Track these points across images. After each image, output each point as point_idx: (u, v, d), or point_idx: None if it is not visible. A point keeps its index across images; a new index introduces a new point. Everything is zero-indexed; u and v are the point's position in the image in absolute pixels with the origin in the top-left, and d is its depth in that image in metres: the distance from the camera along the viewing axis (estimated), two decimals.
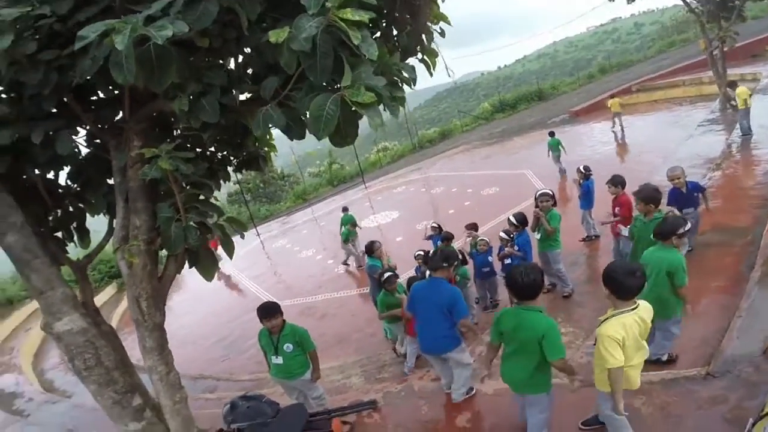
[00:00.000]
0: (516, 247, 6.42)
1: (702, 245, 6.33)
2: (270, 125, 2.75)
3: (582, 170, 8.09)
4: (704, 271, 5.66)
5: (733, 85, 12.15)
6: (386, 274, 5.80)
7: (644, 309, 3.09)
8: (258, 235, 19.25)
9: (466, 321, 4.37)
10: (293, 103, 2.74)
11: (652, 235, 4.67)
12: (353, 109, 2.29)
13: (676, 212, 5.17)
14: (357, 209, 15.61)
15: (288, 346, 4.56)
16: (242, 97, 3.55)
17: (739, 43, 15.71)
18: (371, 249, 7.05)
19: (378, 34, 3.34)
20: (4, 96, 3.40)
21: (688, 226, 4.11)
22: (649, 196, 4.82)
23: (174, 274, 4.04)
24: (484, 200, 13.99)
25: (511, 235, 6.48)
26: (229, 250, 4.22)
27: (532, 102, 31.21)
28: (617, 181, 6.25)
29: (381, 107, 2.56)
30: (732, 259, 5.91)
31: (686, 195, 5.96)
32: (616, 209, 6.21)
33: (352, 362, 6.77)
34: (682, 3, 14.96)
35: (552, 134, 14.02)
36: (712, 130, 12.80)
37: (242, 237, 4.26)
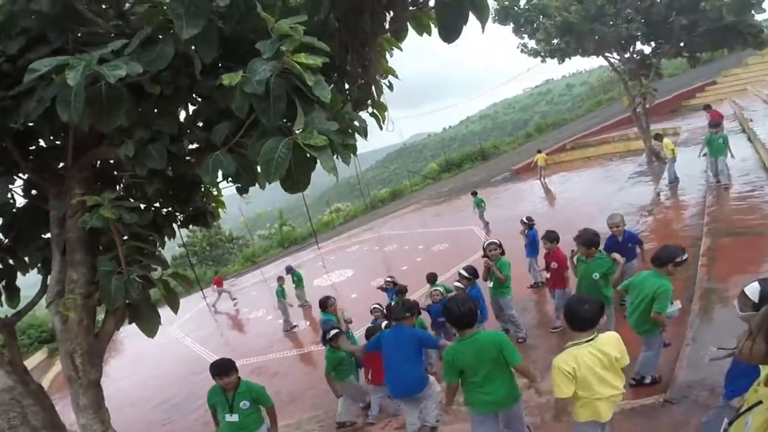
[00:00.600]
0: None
1: None
2: (220, 171, 2.76)
3: (525, 221, 8.56)
4: None
5: (659, 137, 13.38)
6: (331, 332, 5.77)
7: (605, 341, 3.07)
8: (204, 297, 18.45)
9: (443, 341, 4.70)
10: (244, 150, 2.79)
11: (594, 275, 5.08)
12: (307, 154, 2.37)
13: (618, 257, 5.35)
14: (310, 269, 15.49)
15: (244, 404, 4.32)
16: (192, 146, 3.58)
17: (658, 100, 17.39)
18: (325, 304, 6.96)
19: (330, 85, 3.51)
20: None
21: (686, 256, 4.25)
22: (588, 240, 5.12)
23: (113, 330, 3.83)
24: (435, 256, 14.25)
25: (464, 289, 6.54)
26: (174, 305, 4.06)
27: (476, 161, 32.76)
28: (551, 237, 6.49)
29: (334, 155, 2.66)
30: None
31: (621, 244, 6.04)
32: (552, 264, 6.42)
33: (308, 418, 6.48)
34: (607, 63, 16.47)
35: (474, 194, 15.56)
36: (642, 181, 13.95)
37: (175, 312, 4.05)
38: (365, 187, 33.19)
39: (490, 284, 6.54)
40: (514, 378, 3.54)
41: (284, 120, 2.38)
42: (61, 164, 3.84)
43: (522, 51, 16.97)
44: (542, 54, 16.40)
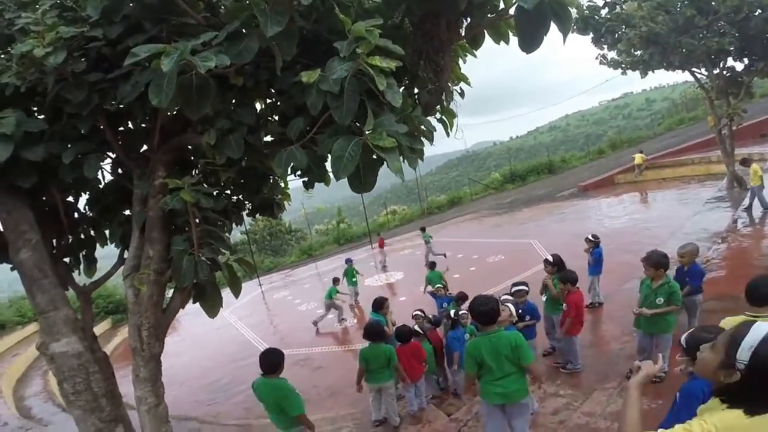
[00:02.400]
0: (528, 317, 5.97)
1: (706, 312, 6.28)
2: (292, 164, 2.86)
3: (591, 238, 8.29)
4: None
5: (746, 162, 12.29)
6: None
7: None
8: (260, 285, 19.14)
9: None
10: (316, 147, 2.88)
11: (659, 299, 4.83)
12: (374, 156, 2.40)
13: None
14: (362, 268, 15.59)
15: None
16: (267, 138, 3.73)
17: (747, 122, 16.06)
18: (381, 305, 7.03)
19: (401, 89, 3.54)
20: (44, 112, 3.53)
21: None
22: (657, 261, 4.90)
23: (179, 307, 4.05)
24: (489, 267, 13.97)
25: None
26: (236, 289, 4.25)
27: (542, 174, 31.76)
28: (567, 278, 5.96)
29: (401, 158, 2.69)
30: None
31: (683, 275, 5.55)
32: (563, 306, 5.96)
33: (344, 415, 6.55)
34: (692, 79, 15.39)
35: (423, 229, 16.12)
36: (720, 207, 13.02)
37: (236, 296, 4.23)
38: (423, 192, 33.08)
39: (544, 298, 6.44)
40: (525, 376, 3.90)
41: (355, 120, 2.42)
42: (147, 147, 4.13)
43: (601, 63, 16.30)
44: (623, 66, 15.66)
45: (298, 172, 3.34)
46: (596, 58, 15.94)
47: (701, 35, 12.91)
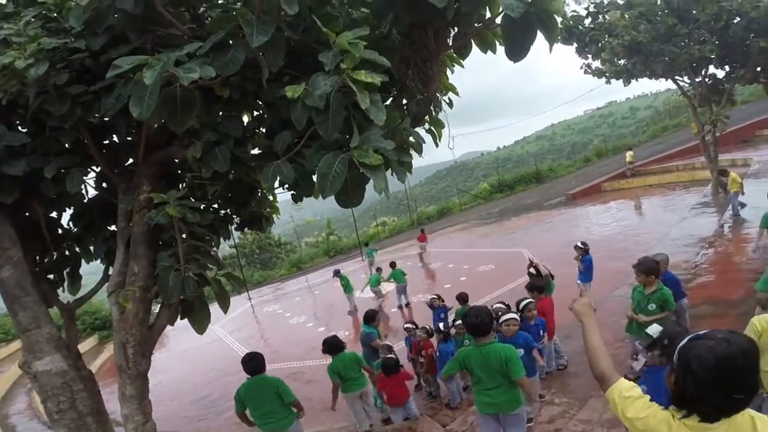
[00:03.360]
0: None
1: (696, 317, 6.32)
2: (279, 178, 2.81)
3: (581, 245, 8.31)
4: None
5: (723, 173, 12.60)
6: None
7: None
8: (249, 299, 18.94)
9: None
10: (303, 160, 2.84)
11: (651, 306, 4.82)
12: (361, 171, 2.37)
13: None
14: (354, 280, 15.51)
15: None
16: (255, 151, 3.69)
17: (729, 128, 16.42)
18: (372, 318, 6.99)
19: (389, 100, 3.52)
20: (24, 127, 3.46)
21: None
22: (648, 268, 4.90)
23: (165, 324, 3.97)
24: (480, 276, 13.98)
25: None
26: (224, 304, 4.17)
27: (530, 183, 32.00)
28: (533, 287, 6.13)
29: (389, 171, 2.66)
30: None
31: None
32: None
33: (338, 428, 6.47)
34: (675, 87, 15.71)
35: (366, 244, 16.55)
36: (705, 213, 13.25)
37: (225, 311, 4.15)
38: (412, 203, 33.13)
39: None
40: (518, 388, 3.86)
41: (343, 133, 2.39)
42: (132, 161, 4.06)
43: (586, 72, 16.55)
44: (607, 75, 15.91)
45: (286, 186, 3.29)
46: (581, 67, 16.19)
47: (683, 43, 13.17)
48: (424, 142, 3.23)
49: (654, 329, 3.65)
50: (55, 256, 4.58)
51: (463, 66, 4.15)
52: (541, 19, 2.72)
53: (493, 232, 20.94)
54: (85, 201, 4.35)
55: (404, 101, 3.58)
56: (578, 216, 19.44)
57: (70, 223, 4.54)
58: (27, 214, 4.10)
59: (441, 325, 6.49)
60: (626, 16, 13.83)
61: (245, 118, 3.69)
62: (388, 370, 5.85)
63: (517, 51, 2.81)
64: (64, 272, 4.67)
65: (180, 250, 3.58)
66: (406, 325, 7.26)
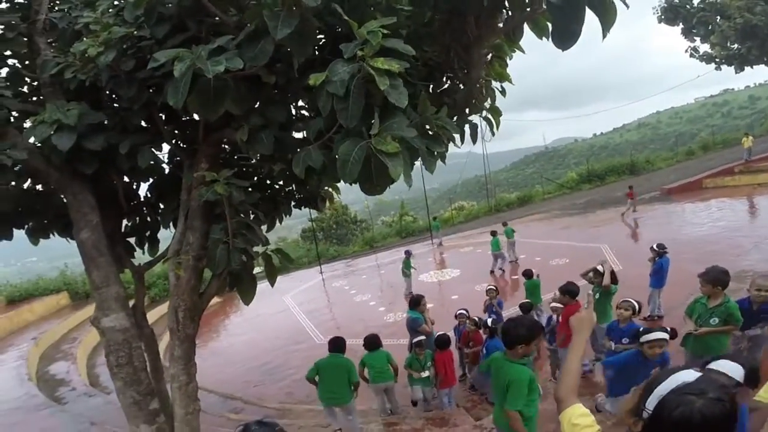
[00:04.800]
0: (626, 339, 5.21)
1: None
2: (309, 164, 2.88)
3: (656, 248, 7.73)
4: None
5: None
6: (417, 338, 6.37)
7: None
8: (321, 273, 19.71)
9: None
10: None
11: (713, 320, 4.41)
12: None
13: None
14: (420, 263, 15.65)
15: None
16: (300, 135, 3.80)
17: None
18: (417, 303, 7.02)
19: (429, 87, 3.44)
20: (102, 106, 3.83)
21: None
22: (715, 278, 4.45)
23: (214, 293, 4.25)
24: (550, 270, 13.35)
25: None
26: (272, 278, 4.40)
27: (622, 175, 29.73)
28: (567, 290, 5.94)
29: (417, 161, 2.63)
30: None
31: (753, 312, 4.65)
32: (559, 318, 6.08)
33: (377, 409, 6.62)
34: None
35: (505, 224, 15.94)
36: None
37: (271, 285, 4.35)
38: (494, 189, 32.26)
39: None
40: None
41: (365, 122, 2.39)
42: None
43: (692, 56, 14.99)
44: (717, 60, 14.30)
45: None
46: (686, 51, 14.66)
47: None
48: (461, 133, 3.11)
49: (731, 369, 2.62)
50: (137, 221, 5.11)
51: (523, 51, 3.94)
52: (592, 1, 2.50)
53: (575, 224, 19.89)
54: (162, 173, 4.78)
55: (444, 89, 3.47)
56: (671, 213, 17.87)
57: (148, 192, 5.02)
58: (112, 182, 4.60)
59: (489, 320, 6.34)
60: None
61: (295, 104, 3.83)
62: (441, 345, 6.23)
63: (564, 37, 2.61)
64: (145, 236, 5.19)
65: (229, 225, 3.82)
66: (458, 312, 7.18)
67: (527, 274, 9.05)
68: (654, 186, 23.57)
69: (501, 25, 3.17)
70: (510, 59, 4.00)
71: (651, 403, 1.38)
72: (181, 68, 2.22)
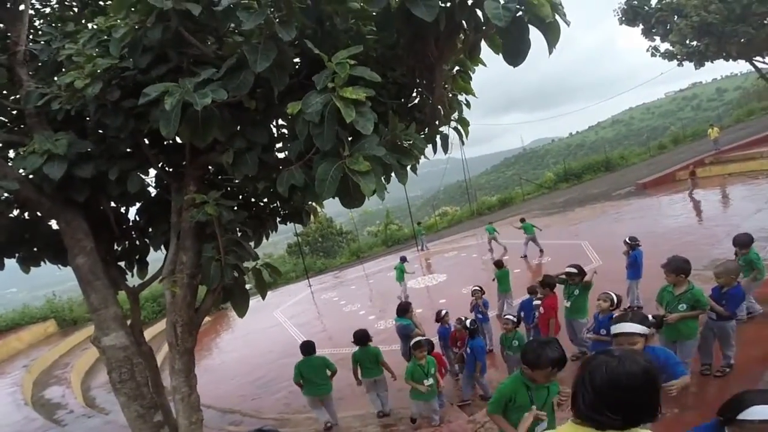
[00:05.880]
0: (604, 331, 5.33)
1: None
2: (292, 183, 3.13)
3: (629, 241, 8.05)
4: (741, 342, 5.45)
5: None
6: (417, 339, 5.81)
7: None
8: (310, 286, 19.84)
9: None
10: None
11: (681, 306, 4.71)
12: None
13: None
14: (408, 270, 15.83)
15: None
16: (281, 154, 4.05)
17: None
18: (405, 310, 7.25)
19: (401, 103, 3.74)
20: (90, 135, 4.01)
21: None
22: (677, 267, 4.76)
23: (209, 307, 4.46)
24: (533, 269, 13.76)
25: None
26: (262, 292, 4.63)
27: (598, 172, 30.47)
28: (547, 283, 6.31)
29: (388, 174, 2.90)
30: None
31: (721, 297, 5.09)
32: (540, 309, 6.35)
33: (374, 413, 6.82)
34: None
35: (523, 220, 15.96)
36: None
37: (262, 298, 4.59)
38: (476, 192, 32.76)
39: (567, 304, 6.34)
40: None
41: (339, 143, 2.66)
42: (183, 163, 4.58)
43: (653, 54, 15.65)
44: (678, 57, 14.95)
45: None
46: (647, 50, 15.33)
47: (759, 23, 12.10)
48: (425, 146, 3.40)
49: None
50: (126, 245, 5.28)
51: (485, 65, 4.26)
52: (542, 22, 2.81)
53: (555, 223, 20.33)
54: (149, 197, 4.97)
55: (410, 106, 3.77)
56: (647, 207, 18.41)
57: (137, 216, 5.20)
58: (101, 208, 4.78)
59: (468, 322, 6.39)
60: None
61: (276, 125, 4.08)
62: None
63: (513, 55, 2.92)
64: (134, 259, 5.36)
65: (220, 243, 4.04)
66: (443, 313, 7.42)
67: (498, 264, 9.86)
68: (629, 181, 24.22)
69: (460, 45, 3.48)
70: (473, 73, 4.33)
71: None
72: (171, 102, 2.47)
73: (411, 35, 3.04)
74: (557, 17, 2.85)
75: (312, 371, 6.25)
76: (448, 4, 2.90)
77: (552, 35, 2.90)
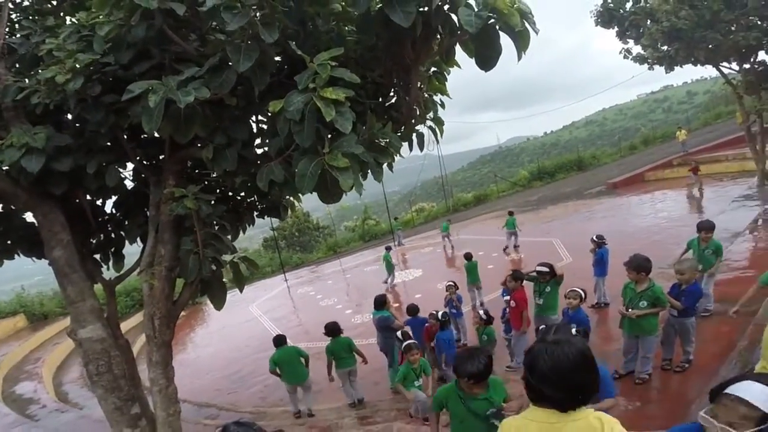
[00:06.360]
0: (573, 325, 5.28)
1: (721, 314, 6.35)
2: (271, 179, 3.22)
3: (596, 239, 8.38)
4: (701, 338, 5.72)
5: None
6: (407, 342, 5.76)
7: None
8: (286, 280, 19.84)
9: None
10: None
11: (642, 303, 4.96)
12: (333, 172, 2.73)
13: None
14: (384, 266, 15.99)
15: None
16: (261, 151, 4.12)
17: None
18: (383, 302, 7.39)
19: (379, 102, 3.86)
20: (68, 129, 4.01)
21: None
22: (638, 265, 5.01)
23: (187, 300, 4.51)
24: (507, 265, 14.09)
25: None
26: (240, 285, 4.71)
27: (571, 171, 31.26)
28: (519, 276, 6.61)
29: (365, 172, 3.02)
30: (729, 328, 5.96)
31: (680, 295, 5.21)
32: (511, 302, 6.60)
33: (350, 405, 6.96)
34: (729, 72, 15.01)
35: (511, 213, 16.34)
36: (746, 205, 12.93)
37: (240, 291, 4.68)
38: (452, 189, 33.14)
39: (540, 301, 6.46)
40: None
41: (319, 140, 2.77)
42: (162, 157, 4.60)
43: (625, 57, 16.09)
44: (649, 61, 15.40)
45: None
46: (620, 52, 15.76)
47: (726, 30, 12.58)
48: (400, 145, 3.52)
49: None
50: (101, 238, 5.26)
51: (460, 66, 4.41)
52: (512, 29, 2.96)
53: (528, 220, 20.77)
54: (126, 191, 4.97)
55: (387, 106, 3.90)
56: (617, 206, 19.02)
57: (113, 209, 5.19)
58: (77, 201, 4.76)
59: (440, 313, 6.58)
60: (670, 0, 13.33)
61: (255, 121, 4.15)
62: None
63: (485, 61, 3.07)
64: (110, 252, 5.34)
65: (198, 237, 4.10)
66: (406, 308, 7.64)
67: (467, 256, 10.41)
68: (600, 180, 24.93)
69: (436, 48, 3.62)
70: (449, 74, 4.48)
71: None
72: (155, 99, 2.53)
73: (389, 38, 3.16)
74: (527, 25, 3.02)
75: (286, 360, 6.79)
76: (426, 9, 3.02)
77: (521, 42, 3.06)
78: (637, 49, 15.51)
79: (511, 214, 16.07)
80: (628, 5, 15.00)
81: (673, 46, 13.82)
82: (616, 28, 15.38)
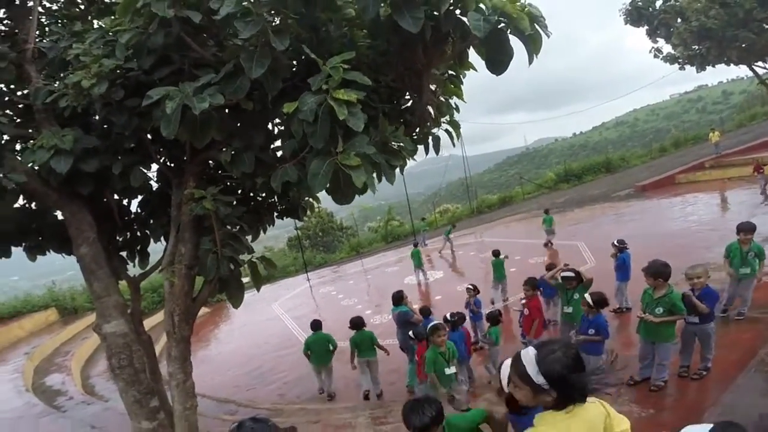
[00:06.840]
0: (592, 330, 5.40)
1: (751, 320, 6.20)
2: (286, 179, 3.31)
3: (617, 243, 8.22)
4: (721, 344, 5.55)
5: None
6: (434, 323, 5.40)
7: None
8: (308, 280, 20.05)
9: None
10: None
11: (658, 309, 4.86)
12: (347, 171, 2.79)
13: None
14: (406, 265, 16.08)
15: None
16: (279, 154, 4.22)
17: None
18: (400, 298, 7.46)
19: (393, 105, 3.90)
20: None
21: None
22: (656, 271, 4.91)
23: (206, 297, 4.65)
24: (529, 268, 13.86)
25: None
26: (257, 284, 4.83)
27: (599, 173, 30.53)
28: (534, 284, 6.54)
29: (374, 173, 3.06)
30: (750, 335, 5.83)
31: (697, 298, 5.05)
32: (525, 310, 6.54)
33: (365, 404, 7.02)
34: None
35: (547, 211, 16.57)
36: None
37: (257, 290, 4.80)
38: (477, 191, 32.88)
39: (569, 309, 6.27)
40: None
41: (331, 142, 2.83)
42: (185, 158, 4.75)
43: (655, 56, 15.74)
44: (680, 60, 15.03)
45: None
46: (650, 51, 15.42)
47: (760, 28, 12.17)
48: (413, 149, 3.56)
49: None
50: (128, 236, 5.47)
51: (476, 69, 4.42)
52: (522, 32, 2.96)
53: (554, 223, 20.52)
54: (151, 191, 5.15)
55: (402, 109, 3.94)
56: (646, 209, 18.52)
57: (138, 208, 5.39)
58: (105, 200, 4.96)
59: (448, 314, 6.45)
60: None
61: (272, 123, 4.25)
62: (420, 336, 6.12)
63: (495, 64, 3.08)
64: (135, 250, 5.55)
65: (216, 237, 4.22)
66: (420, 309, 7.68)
67: (495, 253, 10.94)
68: (629, 183, 24.30)
69: (449, 52, 3.64)
70: (464, 78, 4.49)
71: (538, 378, 1.82)
72: (172, 106, 2.65)
73: (400, 43, 3.20)
74: (538, 29, 3.01)
75: (317, 344, 7.63)
76: (436, 13, 3.05)
77: (532, 46, 3.06)
78: (667, 48, 15.17)
79: (547, 212, 16.19)
80: (658, 3, 14.68)
81: (703, 45, 13.47)
82: (645, 27, 15.05)
